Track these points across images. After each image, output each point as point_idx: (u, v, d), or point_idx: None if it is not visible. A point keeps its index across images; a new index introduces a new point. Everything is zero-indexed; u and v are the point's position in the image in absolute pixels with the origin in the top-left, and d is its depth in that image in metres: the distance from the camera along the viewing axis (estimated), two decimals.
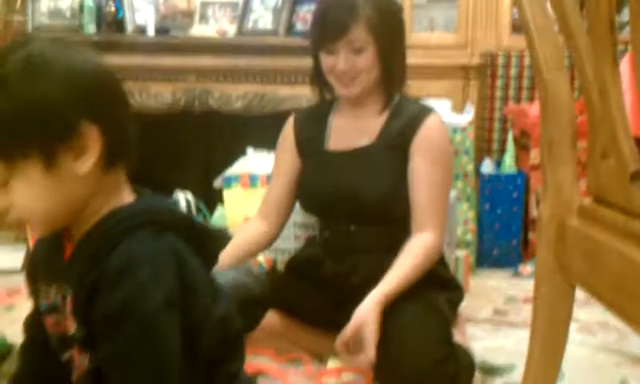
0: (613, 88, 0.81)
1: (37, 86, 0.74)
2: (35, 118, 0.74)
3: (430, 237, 1.44)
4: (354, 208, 1.49)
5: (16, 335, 1.53)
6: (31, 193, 0.75)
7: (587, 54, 0.87)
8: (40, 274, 0.87)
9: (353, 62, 1.47)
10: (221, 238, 0.90)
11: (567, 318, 0.97)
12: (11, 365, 1.43)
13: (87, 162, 0.76)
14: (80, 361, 0.81)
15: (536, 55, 0.96)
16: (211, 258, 0.88)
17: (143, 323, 0.74)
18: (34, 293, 0.88)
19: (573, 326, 0.98)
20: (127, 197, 0.82)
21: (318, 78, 1.57)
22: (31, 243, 2.31)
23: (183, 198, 2.25)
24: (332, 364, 1.50)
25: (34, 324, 0.92)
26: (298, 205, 1.65)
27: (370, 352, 1.29)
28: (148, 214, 0.79)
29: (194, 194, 2.32)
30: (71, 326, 0.80)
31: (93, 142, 0.76)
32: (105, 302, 0.75)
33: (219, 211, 2.31)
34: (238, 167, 2.29)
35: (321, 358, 1.52)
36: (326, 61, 1.50)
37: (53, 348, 0.86)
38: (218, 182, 2.27)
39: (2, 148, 0.74)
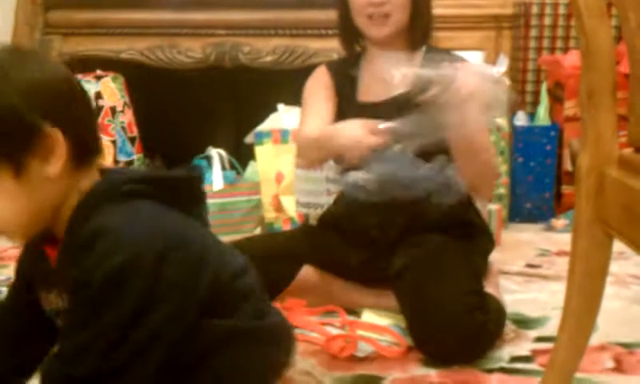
0: None
1: None
2: None
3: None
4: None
5: None
6: (4, 203, 0.77)
7: (631, 0, 0.84)
8: (35, 283, 0.88)
9: None
10: (193, 178, 0.89)
11: (604, 269, 0.97)
12: None
13: (56, 164, 0.78)
14: None
15: (576, 2, 0.93)
16: (193, 205, 0.88)
17: (99, 288, 0.74)
18: (35, 298, 0.89)
19: (607, 279, 0.97)
20: (92, 182, 0.83)
21: (345, 24, 1.55)
22: None
23: (216, 154, 2.27)
24: (366, 317, 1.52)
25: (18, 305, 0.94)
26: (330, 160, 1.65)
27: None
28: (110, 189, 0.80)
29: (226, 150, 2.33)
30: None
31: (58, 144, 0.77)
32: (71, 274, 0.76)
33: (251, 167, 2.32)
34: (269, 123, 2.29)
35: (355, 312, 1.54)
36: None
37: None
38: (249, 138, 2.28)
39: None
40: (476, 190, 1.48)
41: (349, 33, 1.57)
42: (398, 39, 1.53)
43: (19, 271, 0.94)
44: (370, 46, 1.57)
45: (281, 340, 0.96)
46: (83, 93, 0.84)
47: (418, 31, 1.53)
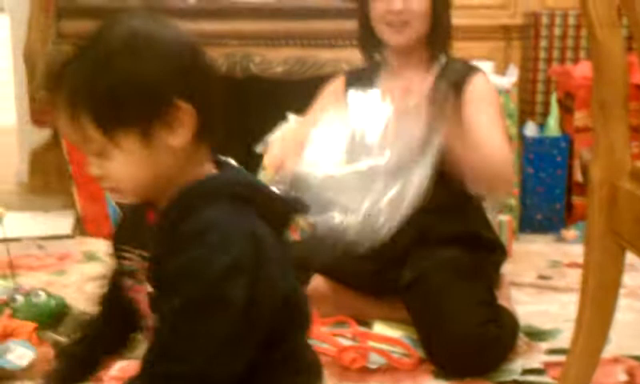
0: None
1: (139, 63, 0.77)
2: (135, 95, 0.76)
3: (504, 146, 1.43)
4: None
5: (68, 298, 1.59)
6: (127, 163, 0.79)
7: None
8: (126, 239, 0.90)
9: (408, 3, 1.48)
10: (291, 207, 0.90)
11: (617, 282, 0.97)
12: (68, 326, 1.48)
13: (181, 137, 0.79)
14: (151, 320, 0.84)
15: (588, 12, 0.93)
16: (282, 228, 0.88)
17: (204, 286, 0.75)
18: (117, 255, 0.91)
19: (620, 291, 0.97)
20: (210, 169, 0.84)
21: (365, 32, 1.56)
22: (79, 209, 2.37)
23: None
24: (378, 329, 1.51)
25: (113, 283, 0.96)
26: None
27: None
28: (228, 186, 0.81)
29: (236, 159, 2.33)
30: (142, 296, 0.84)
31: (187, 118, 0.78)
32: (173, 262, 0.77)
33: (261, 176, 2.33)
34: (280, 132, 2.30)
35: (366, 323, 1.54)
36: (378, 4, 1.50)
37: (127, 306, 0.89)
38: (260, 148, 2.29)
39: (102, 121, 0.77)
40: (482, 187, 1.46)
41: (369, 41, 1.58)
42: (417, 48, 1.53)
43: (115, 232, 0.95)
44: (390, 55, 1.58)
45: (314, 370, 0.97)
46: (215, 72, 0.85)
47: (437, 40, 1.54)
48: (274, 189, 0.87)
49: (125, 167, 0.79)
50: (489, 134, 1.44)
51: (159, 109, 0.77)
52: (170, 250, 0.78)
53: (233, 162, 0.89)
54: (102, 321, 0.98)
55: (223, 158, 0.88)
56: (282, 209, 0.87)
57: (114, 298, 0.95)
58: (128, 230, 0.91)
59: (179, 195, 0.81)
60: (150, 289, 0.82)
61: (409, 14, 1.48)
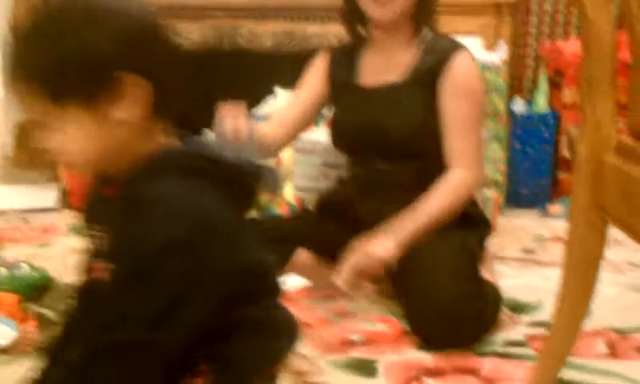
0: None
1: (79, 34, 0.75)
2: (81, 66, 0.75)
3: (462, 174, 1.44)
4: (383, 144, 1.49)
5: (52, 271, 1.59)
6: (76, 136, 0.77)
7: None
8: (92, 218, 0.89)
9: None
10: (255, 175, 0.89)
11: (600, 255, 0.97)
12: (52, 298, 1.48)
13: (129, 109, 0.77)
14: None
15: None
16: (246, 198, 0.88)
17: (140, 260, 0.75)
18: (88, 236, 0.91)
19: (602, 265, 0.98)
20: (167, 142, 0.83)
21: (350, 6, 1.55)
22: (65, 182, 2.35)
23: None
24: (362, 303, 1.52)
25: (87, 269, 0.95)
26: (327, 144, 1.65)
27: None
28: (180, 159, 0.80)
29: None
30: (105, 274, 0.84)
31: (135, 90, 0.77)
32: (119, 234, 0.77)
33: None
34: (267, 106, 2.29)
35: (351, 297, 1.55)
36: None
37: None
38: None
39: (47, 91, 0.75)
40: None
41: (353, 16, 1.57)
42: (402, 22, 1.52)
43: (83, 213, 0.94)
44: (374, 30, 1.56)
45: (287, 331, 0.97)
46: (170, 39, 0.83)
47: (421, 15, 1.52)
48: (243, 161, 0.86)
49: (74, 140, 0.77)
50: (459, 147, 1.47)
51: (102, 80, 0.75)
52: (118, 224, 0.78)
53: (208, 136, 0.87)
54: (80, 315, 0.95)
55: (188, 131, 0.86)
56: (248, 183, 0.85)
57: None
58: (93, 209, 0.90)
59: (132, 168, 0.80)
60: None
61: None
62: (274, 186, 0.96)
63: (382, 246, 1.39)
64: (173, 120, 0.84)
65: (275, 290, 0.94)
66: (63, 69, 0.75)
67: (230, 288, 0.81)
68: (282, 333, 0.94)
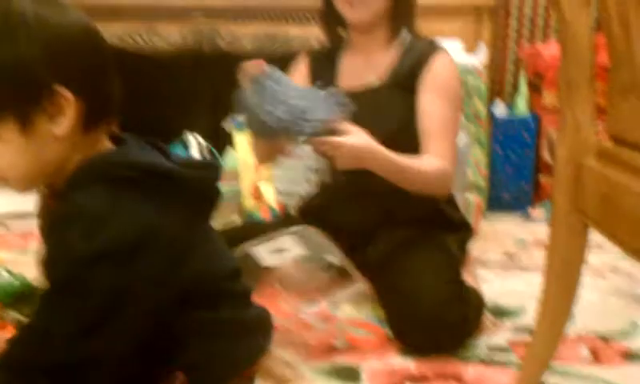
0: (636, 21, 0.79)
1: (12, 46, 0.73)
2: (9, 80, 0.73)
3: (441, 164, 1.42)
4: None
5: (32, 278, 1.56)
6: (7, 153, 0.76)
7: None
8: (42, 231, 0.88)
9: None
10: (206, 180, 0.87)
11: (581, 259, 0.97)
12: (32, 304, 1.45)
13: (63, 125, 0.76)
14: None
15: None
16: (201, 204, 0.86)
17: (65, 272, 0.74)
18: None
19: (584, 270, 0.98)
20: (105, 149, 0.81)
21: (327, 9, 1.54)
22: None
23: (193, 140, 2.24)
24: (345, 308, 1.51)
25: None
26: (309, 148, 1.64)
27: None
28: (108, 168, 0.78)
29: (203, 136, 2.30)
30: None
31: (68, 105, 0.75)
32: (45, 248, 0.76)
33: (230, 153, 2.30)
34: None
35: (335, 303, 1.54)
36: None
37: None
38: (227, 124, 2.26)
39: None
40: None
41: (331, 18, 1.56)
42: (379, 24, 1.52)
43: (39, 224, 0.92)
44: (352, 32, 1.56)
45: (260, 329, 0.96)
46: (103, 51, 0.81)
47: (399, 18, 1.52)
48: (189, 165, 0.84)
49: (6, 157, 0.76)
50: (432, 136, 1.43)
51: (34, 95, 0.74)
52: (47, 237, 0.77)
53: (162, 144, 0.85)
54: None
55: (127, 135, 0.84)
56: (196, 188, 0.83)
57: None
58: (43, 221, 0.89)
59: (67, 182, 0.79)
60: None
61: None
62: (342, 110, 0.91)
63: (358, 136, 1.31)
64: (115, 127, 0.83)
65: (242, 293, 0.92)
66: None
67: (172, 296, 0.80)
68: (255, 331, 0.93)
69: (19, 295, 1.47)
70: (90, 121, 0.78)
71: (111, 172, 0.77)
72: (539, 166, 2.47)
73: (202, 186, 0.85)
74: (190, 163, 0.88)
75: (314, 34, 2.28)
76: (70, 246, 0.73)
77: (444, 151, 1.43)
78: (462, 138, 2.09)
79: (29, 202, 2.28)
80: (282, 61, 1.71)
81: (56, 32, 0.75)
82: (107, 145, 0.82)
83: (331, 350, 1.33)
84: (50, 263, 0.75)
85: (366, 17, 1.49)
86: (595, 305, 1.57)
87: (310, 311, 1.50)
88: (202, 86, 2.60)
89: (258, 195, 2.21)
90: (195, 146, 2.23)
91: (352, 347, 1.34)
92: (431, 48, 1.51)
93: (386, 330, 1.39)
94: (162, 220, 0.78)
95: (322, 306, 1.52)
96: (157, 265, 0.77)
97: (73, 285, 0.74)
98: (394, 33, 1.53)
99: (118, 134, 0.85)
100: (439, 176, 1.42)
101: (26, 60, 0.73)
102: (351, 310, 1.51)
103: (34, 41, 0.74)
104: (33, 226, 2.15)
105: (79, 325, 0.74)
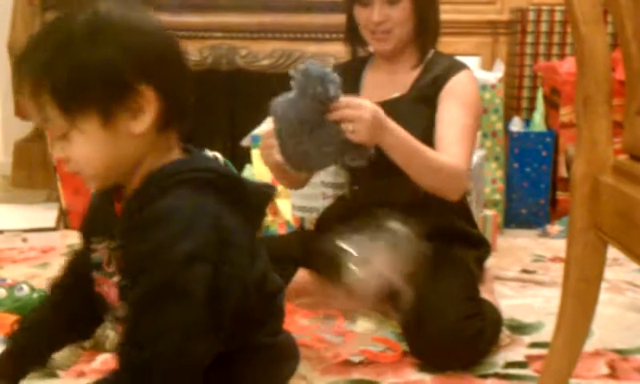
0: None
1: (99, 47, 0.77)
2: (95, 79, 0.77)
3: (455, 160, 1.41)
4: (382, 160, 1.49)
5: None
6: (88, 147, 0.79)
7: (627, 8, 0.85)
8: (93, 229, 0.89)
9: (387, 13, 1.46)
10: (266, 194, 0.90)
11: (599, 275, 0.97)
12: None
13: (143, 123, 0.79)
14: (120, 307, 0.84)
15: (573, 9, 0.94)
16: (255, 216, 0.88)
17: (167, 273, 0.75)
18: (86, 247, 0.91)
19: (602, 286, 0.98)
20: (176, 156, 0.84)
21: (352, 34, 1.56)
22: (63, 202, 2.35)
23: (212, 157, 2.26)
24: (361, 323, 1.52)
25: (74, 273, 0.95)
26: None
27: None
28: (190, 172, 0.81)
29: (222, 153, 2.32)
30: (110, 288, 0.83)
31: (149, 104, 0.79)
32: (135, 250, 0.77)
33: (247, 170, 2.32)
34: (266, 126, 2.29)
35: (352, 317, 1.54)
36: (361, 13, 1.50)
37: (93, 298, 0.89)
38: (246, 141, 2.28)
39: (63, 104, 0.77)
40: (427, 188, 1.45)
41: (355, 40, 1.59)
42: (405, 49, 1.54)
43: (82, 222, 0.94)
44: (378, 57, 1.58)
45: (289, 356, 0.97)
46: (183, 56, 0.85)
47: (425, 40, 1.53)
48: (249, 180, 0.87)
49: (86, 150, 0.79)
50: (447, 141, 1.42)
51: (119, 93, 0.77)
52: (133, 238, 0.78)
53: (217, 154, 0.89)
54: (49, 309, 0.97)
55: (193, 146, 0.88)
56: (255, 198, 0.86)
57: (73, 288, 0.95)
58: (96, 221, 0.91)
59: (143, 182, 0.81)
60: (118, 279, 0.82)
61: (390, 23, 1.48)
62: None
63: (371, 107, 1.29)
64: (181, 135, 0.85)
65: (281, 314, 0.94)
66: (74, 80, 0.76)
67: (247, 302, 0.82)
68: (289, 357, 0.94)
69: None
70: (165, 122, 0.81)
71: (195, 176, 0.80)
72: (556, 182, 2.46)
73: (260, 200, 0.88)
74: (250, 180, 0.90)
75: (330, 52, 2.30)
76: (168, 245, 0.75)
77: (459, 155, 1.41)
78: (478, 153, 2.10)
79: (48, 217, 2.33)
80: None
81: (140, 34, 0.79)
82: (178, 151, 0.85)
83: (348, 365, 1.33)
84: (145, 264, 0.76)
85: (392, 46, 1.51)
86: (613, 320, 1.56)
87: (327, 327, 1.50)
88: (220, 103, 2.63)
89: (274, 211, 2.22)
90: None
91: (369, 362, 1.35)
92: (454, 64, 1.53)
93: (403, 345, 1.39)
94: (236, 223, 0.81)
95: (339, 321, 1.52)
96: (239, 265, 0.80)
97: (176, 282, 0.75)
98: (422, 54, 1.54)
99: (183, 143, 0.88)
100: (452, 172, 1.40)
101: (113, 60, 0.77)
102: (368, 325, 1.51)
103: (120, 42, 0.77)
104: (53, 240, 2.19)
105: (188, 320, 0.76)
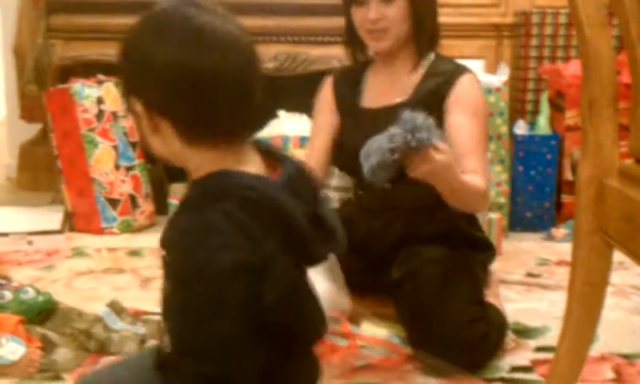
0: None
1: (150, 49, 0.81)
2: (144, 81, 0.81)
3: (480, 181, 1.39)
4: None
5: (56, 294, 1.58)
6: (157, 141, 0.82)
7: (632, 11, 0.85)
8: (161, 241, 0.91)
9: (383, 11, 1.46)
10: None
11: (605, 279, 0.97)
12: (56, 320, 1.48)
13: (164, 140, 0.81)
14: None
15: (577, 12, 0.94)
16: (298, 249, 0.84)
17: (204, 287, 0.75)
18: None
19: (607, 290, 0.97)
20: (232, 164, 0.81)
21: (350, 36, 1.57)
22: (68, 204, 2.36)
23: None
24: (366, 327, 1.51)
25: None
26: (332, 168, 1.65)
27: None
28: (236, 188, 0.79)
29: None
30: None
31: (164, 128, 0.80)
32: (175, 261, 0.78)
33: None
34: (271, 129, 2.29)
35: (355, 321, 1.54)
36: (357, 13, 1.50)
37: None
38: None
39: (145, 103, 0.81)
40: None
41: (354, 43, 1.58)
42: (402, 50, 1.53)
43: None
44: (377, 57, 1.58)
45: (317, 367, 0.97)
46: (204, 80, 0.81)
47: (423, 40, 1.53)
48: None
49: (160, 145, 0.83)
50: (462, 154, 1.40)
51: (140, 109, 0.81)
52: (173, 247, 0.78)
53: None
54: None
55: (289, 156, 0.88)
56: (301, 236, 0.82)
57: None
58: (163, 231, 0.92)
59: (187, 190, 0.82)
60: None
61: (386, 21, 1.47)
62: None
63: (448, 156, 1.24)
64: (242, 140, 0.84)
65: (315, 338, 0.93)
66: (154, 80, 0.79)
67: (287, 316, 0.82)
68: (317, 368, 0.94)
69: (44, 312, 1.50)
70: (188, 137, 0.80)
71: (241, 193, 0.79)
72: (561, 185, 2.45)
73: (302, 229, 0.83)
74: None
75: (334, 55, 2.30)
76: (207, 260, 0.75)
77: (478, 167, 1.41)
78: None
79: (53, 220, 2.33)
80: (303, 81, 1.73)
81: (168, 57, 0.80)
82: (236, 158, 0.82)
83: (352, 368, 1.33)
84: (184, 279, 0.77)
85: (389, 45, 1.50)
86: (618, 324, 1.56)
87: (331, 330, 1.50)
88: None
89: None
90: None
91: (373, 366, 1.34)
92: (457, 68, 1.52)
93: (407, 349, 1.39)
94: (273, 247, 0.79)
95: (343, 324, 1.52)
96: (278, 277, 0.79)
97: (212, 300, 0.75)
98: (419, 56, 1.54)
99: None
100: (480, 196, 1.40)
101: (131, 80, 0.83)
102: (372, 329, 1.51)
103: (141, 62, 0.82)
104: (58, 242, 2.19)
105: (222, 339, 0.76)
